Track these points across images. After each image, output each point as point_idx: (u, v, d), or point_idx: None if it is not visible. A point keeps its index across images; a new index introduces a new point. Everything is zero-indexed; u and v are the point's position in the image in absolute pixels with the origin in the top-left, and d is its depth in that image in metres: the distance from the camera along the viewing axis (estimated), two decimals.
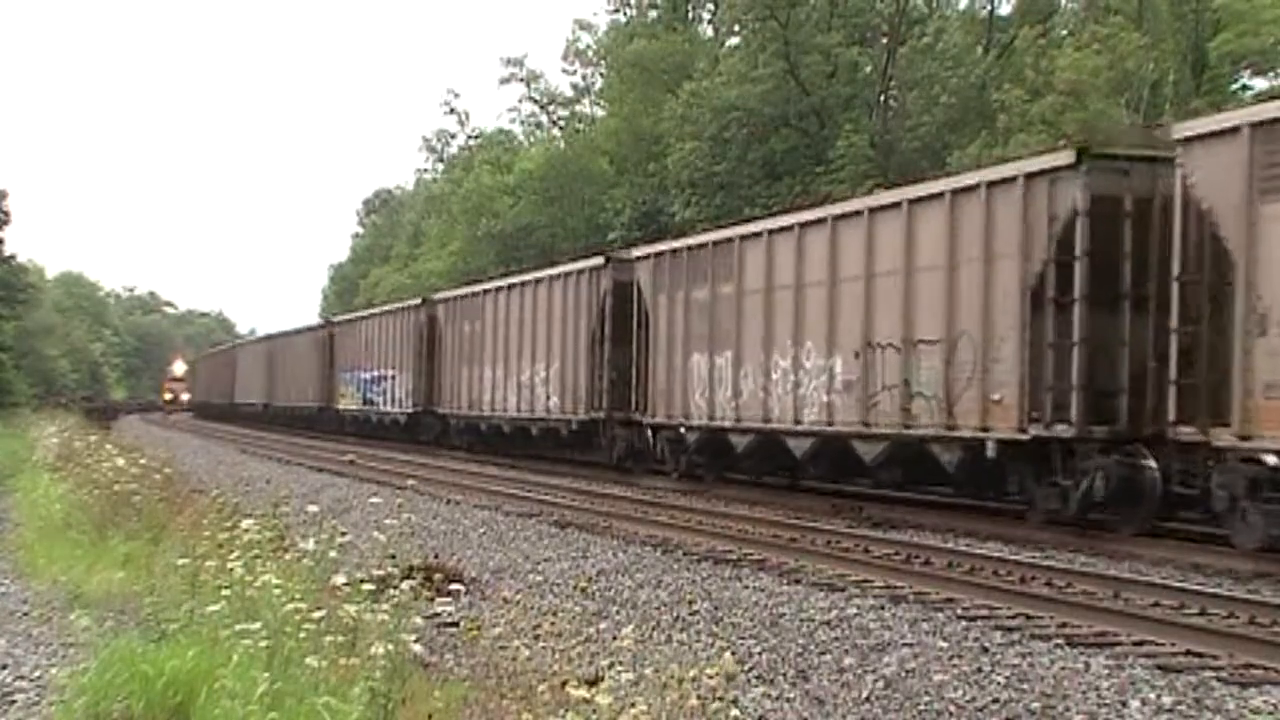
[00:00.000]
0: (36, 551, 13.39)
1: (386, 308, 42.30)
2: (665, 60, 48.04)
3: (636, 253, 24.88)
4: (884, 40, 43.22)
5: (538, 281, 28.78)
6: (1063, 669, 8.58)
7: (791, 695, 8.65)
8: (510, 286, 30.55)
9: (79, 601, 10.51)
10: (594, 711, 5.39)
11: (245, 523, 9.32)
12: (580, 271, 26.59)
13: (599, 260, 26.19)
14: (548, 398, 27.63)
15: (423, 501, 19.38)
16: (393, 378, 38.15)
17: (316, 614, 6.98)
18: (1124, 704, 7.81)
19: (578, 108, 60.17)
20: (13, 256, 63.75)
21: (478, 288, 33.58)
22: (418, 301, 38.05)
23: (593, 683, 6.53)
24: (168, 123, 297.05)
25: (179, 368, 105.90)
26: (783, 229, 19.91)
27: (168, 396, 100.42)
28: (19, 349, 66.17)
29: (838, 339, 18.36)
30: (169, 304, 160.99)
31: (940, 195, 16.72)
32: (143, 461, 18.54)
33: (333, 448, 36.22)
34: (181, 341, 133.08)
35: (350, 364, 43.11)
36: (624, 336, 24.31)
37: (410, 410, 36.64)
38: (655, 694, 5.65)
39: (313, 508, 9.92)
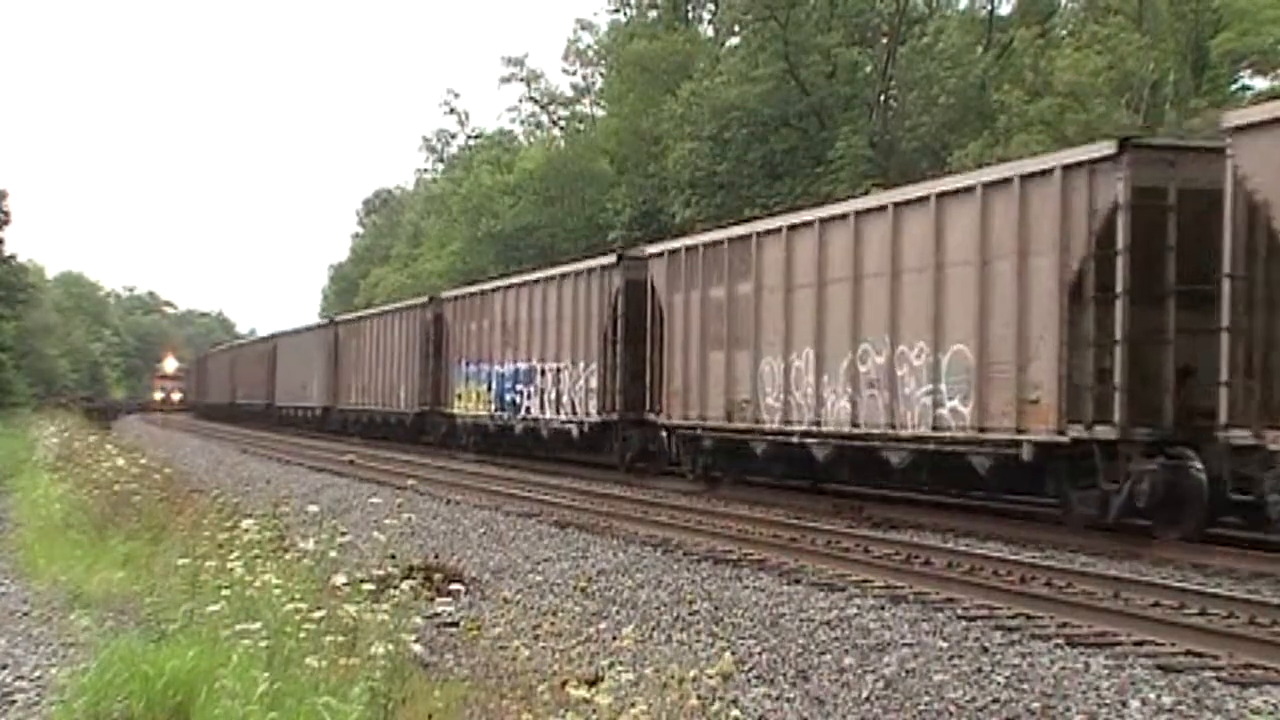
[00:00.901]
0: (36, 551, 13.39)
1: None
2: (665, 60, 48.02)
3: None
4: (884, 40, 43.23)
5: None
6: (1063, 669, 8.58)
7: (791, 695, 8.66)
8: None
9: (79, 601, 10.52)
10: (594, 711, 5.39)
11: (245, 523, 9.32)
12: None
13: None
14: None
15: (423, 501, 19.39)
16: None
17: (316, 614, 6.99)
18: (1124, 704, 7.81)
19: (578, 108, 60.22)
20: (13, 256, 63.82)
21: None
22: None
23: (593, 683, 6.52)
24: (168, 123, 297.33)
25: (170, 364, 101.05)
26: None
27: (158, 396, 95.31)
28: (19, 349, 66.16)
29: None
30: (169, 304, 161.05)
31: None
32: (143, 461, 18.57)
33: (333, 448, 36.22)
34: (181, 341, 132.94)
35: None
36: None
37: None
38: (655, 694, 5.65)
39: (313, 508, 9.94)
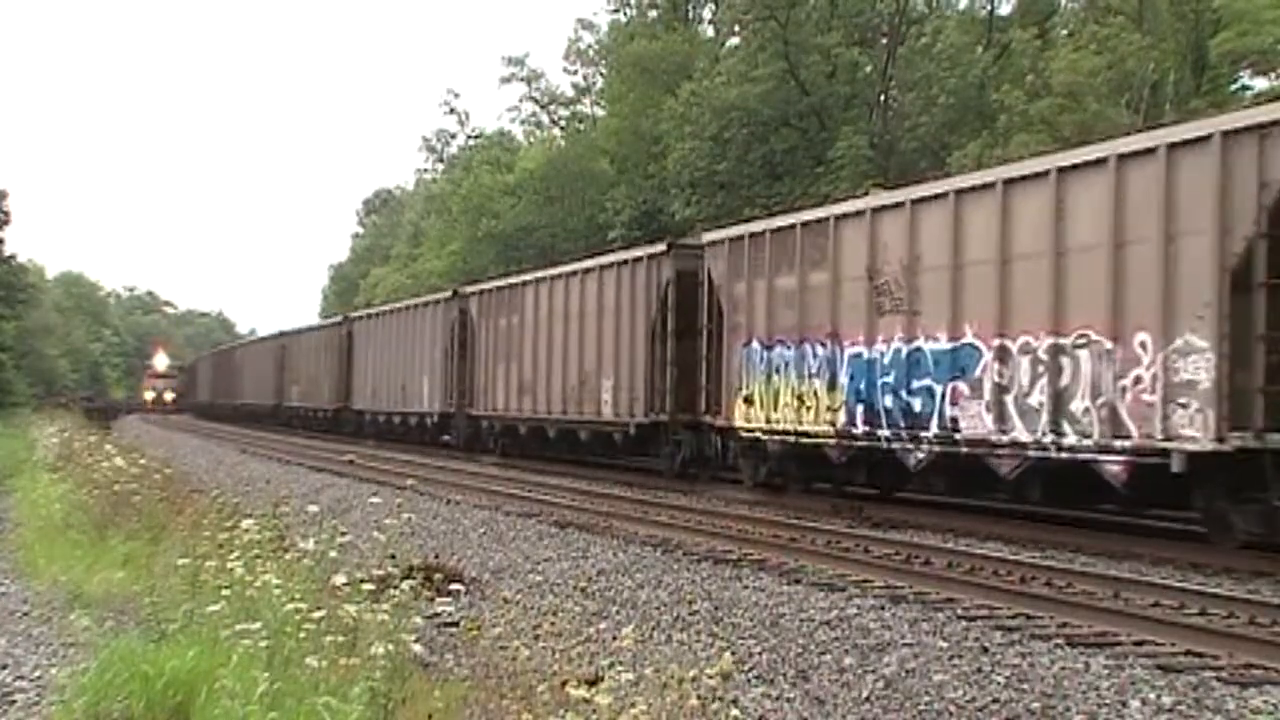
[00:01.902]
0: (36, 551, 13.40)
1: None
2: (665, 60, 48.04)
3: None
4: (884, 40, 43.23)
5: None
6: (1063, 669, 8.59)
7: (791, 695, 8.66)
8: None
9: (79, 601, 10.52)
10: (594, 711, 5.39)
11: (245, 523, 9.32)
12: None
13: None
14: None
15: (423, 501, 19.39)
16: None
17: (316, 614, 6.99)
18: (1124, 704, 7.81)
19: (578, 108, 60.24)
20: (13, 256, 63.88)
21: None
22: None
23: (593, 683, 6.52)
24: (168, 123, 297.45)
25: (161, 361, 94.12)
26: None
27: (149, 396, 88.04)
28: (19, 349, 66.20)
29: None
30: (169, 304, 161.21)
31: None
32: (142, 461, 18.57)
33: (334, 448, 36.20)
34: (181, 341, 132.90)
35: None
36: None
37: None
38: (655, 694, 5.65)
39: (313, 508, 9.93)
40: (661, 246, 23.77)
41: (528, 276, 29.91)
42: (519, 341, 29.15)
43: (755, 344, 20.18)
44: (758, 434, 20.09)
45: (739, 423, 20.48)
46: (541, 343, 27.89)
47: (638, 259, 24.24)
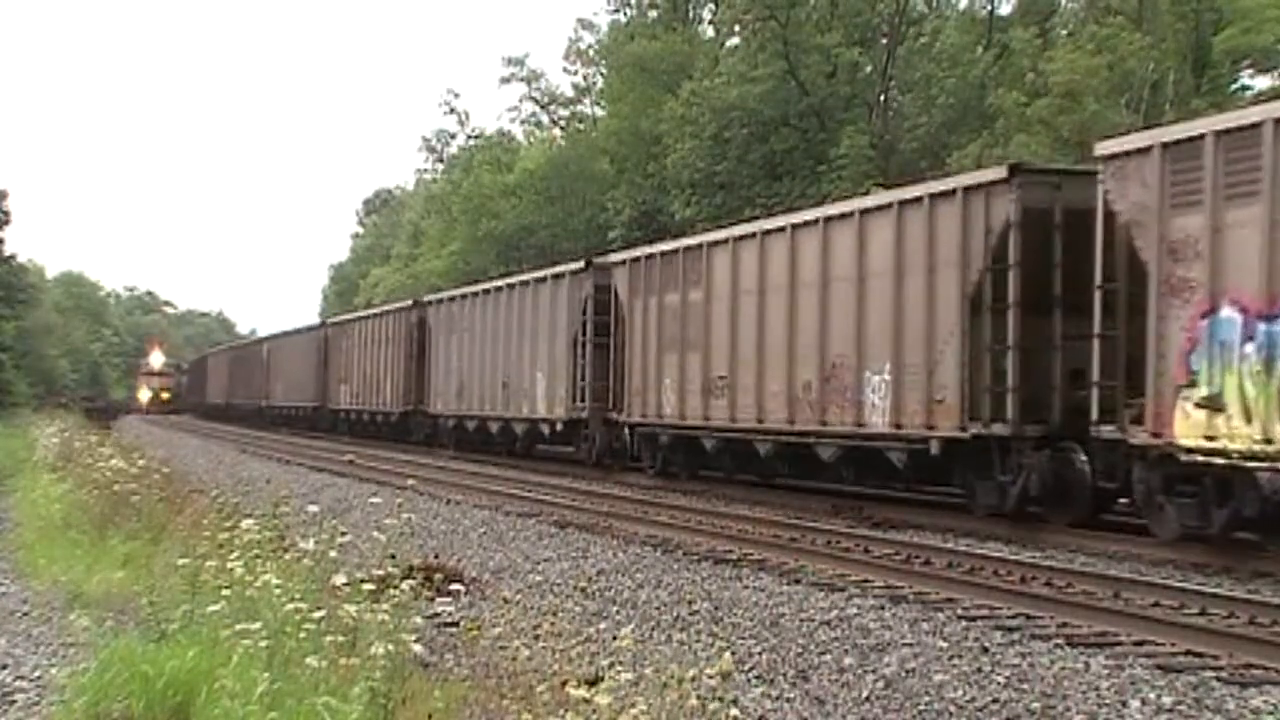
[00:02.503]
0: (36, 551, 13.40)
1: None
2: (665, 60, 48.02)
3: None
4: (884, 40, 43.21)
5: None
6: (1063, 669, 8.59)
7: (791, 695, 8.65)
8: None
9: (79, 601, 10.51)
10: (594, 711, 5.39)
11: (245, 523, 9.31)
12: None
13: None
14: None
15: (423, 501, 19.39)
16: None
17: (316, 614, 6.98)
18: (1124, 704, 7.81)
19: (578, 107, 60.22)
20: (13, 256, 63.94)
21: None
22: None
23: (593, 683, 6.51)
24: (168, 123, 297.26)
25: (156, 359, 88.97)
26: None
27: (143, 395, 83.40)
28: (19, 349, 66.21)
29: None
30: (169, 304, 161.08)
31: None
32: (142, 462, 18.57)
33: (331, 448, 36.23)
34: (181, 341, 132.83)
35: None
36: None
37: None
38: (655, 694, 5.64)
39: (313, 508, 9.94)
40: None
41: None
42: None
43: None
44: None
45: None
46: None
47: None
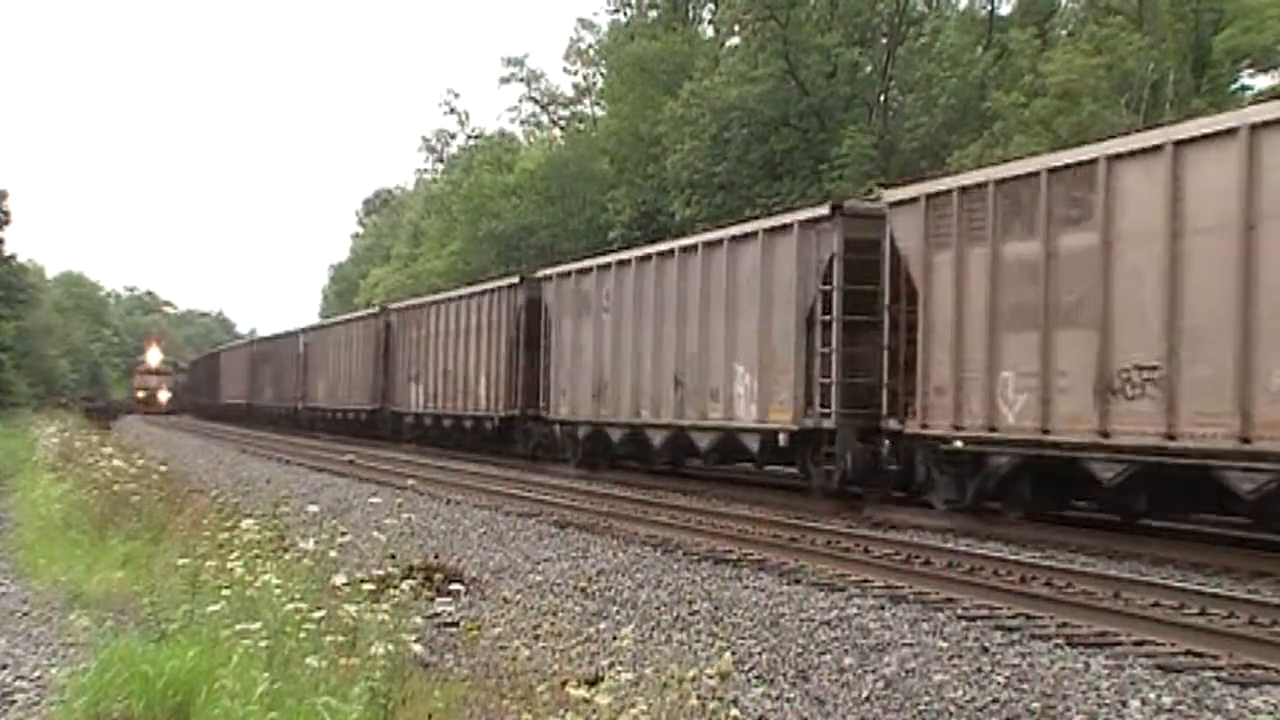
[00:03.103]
0: (36, 551, 13.39)
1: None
2: (665, 60, 48.00)
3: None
4: (884, 40, 43.19)
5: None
6: (1063, 669, 8.59)
7: (791, 695, 8.65)
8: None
9: (79, 601, 10.51)
10: (594, 711, 5.38)
11: (245, 522, 9.31)
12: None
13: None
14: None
15: (423, 501, 19.39)
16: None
17: (316, 614, 6.98)
18: (1124, 704, 7.81)
19: (578, 108, 60.18)
20: (13, 256, 63.95)
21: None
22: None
23: (593, 683, 6.51)
24: (168, 123, 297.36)
25: (154, 356, 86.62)
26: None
27: (140, 395, 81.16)
28: (19, 349, 66.20)
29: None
30: (169, 304, 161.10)
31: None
32: (142, 462, 18.55)
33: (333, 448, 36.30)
34: (181, 341, 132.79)
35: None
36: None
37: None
38: (655, 694, 5.64)
39: (313, 508, 9.93)
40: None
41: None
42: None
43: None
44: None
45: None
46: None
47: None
